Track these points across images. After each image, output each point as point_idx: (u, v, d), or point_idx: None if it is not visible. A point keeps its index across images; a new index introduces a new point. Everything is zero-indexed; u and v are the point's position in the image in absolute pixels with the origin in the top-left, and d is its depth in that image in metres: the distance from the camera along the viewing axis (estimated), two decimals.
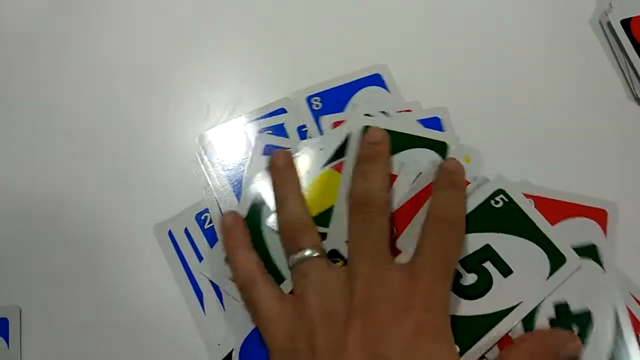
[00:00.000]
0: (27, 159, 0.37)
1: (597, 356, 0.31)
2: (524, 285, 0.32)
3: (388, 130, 0.35)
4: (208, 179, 0.34)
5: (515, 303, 0.31)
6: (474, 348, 0.30)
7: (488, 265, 0.32)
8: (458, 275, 0.32)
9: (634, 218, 0.34)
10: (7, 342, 0.32)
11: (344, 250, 0.32)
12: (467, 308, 0.31)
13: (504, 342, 0.31)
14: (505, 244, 0.33)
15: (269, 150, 0.35)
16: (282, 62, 0.39)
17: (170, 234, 0.33)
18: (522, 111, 0.38)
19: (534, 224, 0.33)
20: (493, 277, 0.32)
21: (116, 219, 0.34)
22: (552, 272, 0.32)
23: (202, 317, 0.32)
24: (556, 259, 0.32)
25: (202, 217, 0.34)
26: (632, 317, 0.31)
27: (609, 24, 0.40)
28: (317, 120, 0.36)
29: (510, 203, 0.34)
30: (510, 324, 0.31)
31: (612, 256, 0.33)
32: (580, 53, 0.40)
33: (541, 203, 0.34)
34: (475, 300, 0.31)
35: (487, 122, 0.37)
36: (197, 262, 0.33)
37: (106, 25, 0.40)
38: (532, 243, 0.33)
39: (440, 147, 0.35)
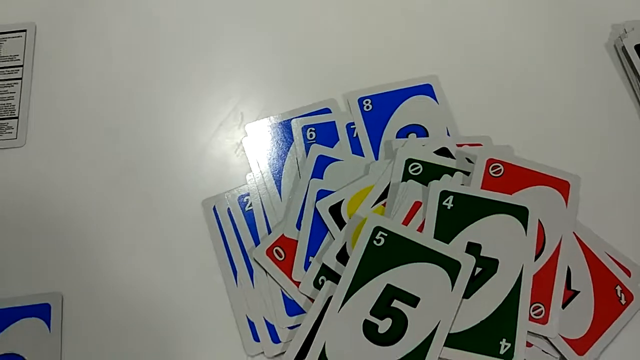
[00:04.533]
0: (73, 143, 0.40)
1: (488, 302, 0.32)
2: (435, 305, 0.32)
3: (463, 195, 0.35)
4: (252, 167, 0.38)
5: (435, 325, 0.32)
6: None
7: (396, 303, 0.33)
8: (374, 326, 0.32)
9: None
10: (49, 326, 0.34)
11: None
12: (397, 351, 0.32)
13: None
14: (403, 276, 0.33)
15: (321, 161, 0.37)
16: (326, 66, 0.42)
17: (214, 210, 0.37)
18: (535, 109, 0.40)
19: (420, 245, 0.34)
20: (405, 312, 0.32)
21: (167, 196, 0.38)
22: (453, 281, 0.33)
23: (234, 289, 0.35)
24: (452, 268, 0.33)
25: (244, 200, 0.37)
26: None
27: (623, 49, 0.42)
28: (365, 122, 0.39)
29: (390, 236, 0.34)
30: (440, 345, 0.31)
31: (572, 224, 0.35)
32: (596, 74, 0.42)
33: (512, 170, 0.36)
34: (400, 341, 0.32)
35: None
36: (235, 239, 0.36)
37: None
38: (425, 263, 0.33)
39: (520, 213, 0.34)
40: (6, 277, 0.36)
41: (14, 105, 0.40)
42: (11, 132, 0.39)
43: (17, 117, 0.39)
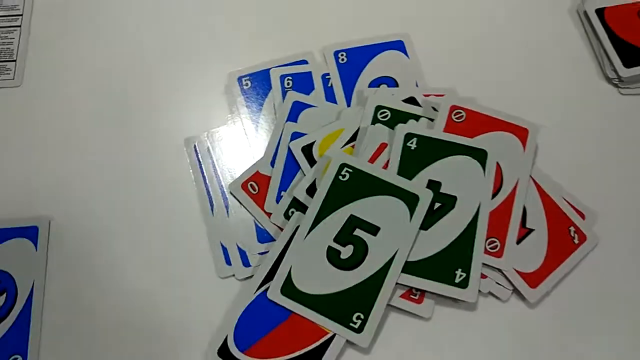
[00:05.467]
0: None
1: (445, 234, 0.34)
2: (394, 234, 0.34)
3: (426, 137, 0.37)
4: (234, 108, 0.40)
5: (393, 252, 0.34)
6: (375, 306, 0.33)
7: (358, 232, 0.35)
8: (337, 252, 0.34)
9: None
10: (36, 246, 0.36)
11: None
12: (357, 275, 0.34)
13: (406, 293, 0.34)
14: (365, 208, 0.35)
15: (297, 107, 0.39)
16: (304, 22, 0.44)
17: (195, 147, 0.39)
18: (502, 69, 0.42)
19: (382, 179, 0.36)
20: (366, 240, 0.34)
21: (153, 134, 0.40)
22: (411, 212, 0.35)
23: (210, 218, 0.37)
24: (411, 201, 0.35)
25: (222, 139, 0.40)
26: None
27: (585, 13, 0.44)
28: (340, 73, 0.41)
29: (355, 172, 0.36)
30: (398, 271, 0.33)
31: (528, 168, 0.37)
32: (560, 35, 0.44)
33: (473, 116, 0.38)
34: (361, 266, 0.34)
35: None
36: (213, 174, 0.38)
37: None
38: (386, 197, 0.35)
39: (479, 156, 0.36)
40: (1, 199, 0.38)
41: (12, 50, 0.43)
42: (9, 74, 0.42)
43: (14, 60, 0.42)
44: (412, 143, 0.38)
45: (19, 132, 0.40)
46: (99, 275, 0.36)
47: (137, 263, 0.36)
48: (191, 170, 0.39)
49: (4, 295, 0.35)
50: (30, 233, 0.36)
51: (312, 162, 0.38)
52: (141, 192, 0.39)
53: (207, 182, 0.38)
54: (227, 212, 0.38)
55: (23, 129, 0.40)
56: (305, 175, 0.38)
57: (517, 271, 0.36)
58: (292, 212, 0.36)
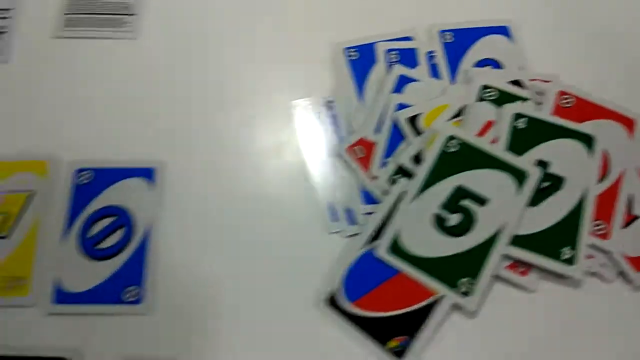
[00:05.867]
0: None
1: (553, 212, 0.34)
2: (502, 207, 0.35)
3: (535, 118, 0.37)
4: (338, 79, 0.41)
5: (501, 224, 0.34)
6: (483, 272, 0.33)
7: (465, 202, 0.35)
8: (443, 219, 0.35)
9: None
10: (152, 187, 0.37)
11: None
12: (465, 243, 0.34)
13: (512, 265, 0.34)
14: (473, 180, 0.36)
15: (402, 80, 0.40)
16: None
17: (303, 112, 0.40)
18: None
19: (490, 153, 0.36)
20: (474, 210, 0.35)
21: (263, 99, 0.41)
22: (519, 187, 0.35)
23: (318, 179, 0.38)
24: (519, 176, 0.35)
25: (330, 105, 0.40)
26: None
27: None
28: (446, 51, 0.42)
29: (463, 145, 0.37)
30: (505, 242, 0.33)
31: (635, 157, 0.36)
32: None
33: (581, 103, 0.38)
34: (468, 234, 0.34)
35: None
36: (323, 137, 0.39)
37: None
38: (494, 170, 0.36)
39: (587, 140, 0.37)
40: (121, 144, 0.39)
41: (132, 4, 0.45)
42: (128, 27, 0.43)
43: (134, 14, 0.44)
44: (520, 123, 0.38)
45: (137, 83, 0.42)
46: (208, 218, 0.37)
47: (247, 218, 0.37)
48: (298, 133, 0.40)
49: (123, 229, 0.36)
50: (147, 174, 0.38)
51: (416, 132, 0.39)
52: (249, 153, 0.39)
53: (315, 145, 0.39)
54: (334, 173, 0.38)
55: (140, 82, 0.42)
56: (410, 144, 0.38)
57: (623, 254, 0.36)
58: (397, 178, 0.37)
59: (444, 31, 0.43)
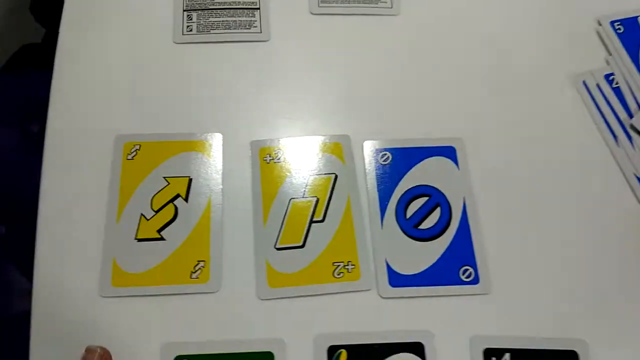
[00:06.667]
0: None
1: None
2: None
3: None
4: (611, 52, 0.40)
5: None
6: None
7: None
8: None
9: None
10: (457, 164, 0.36)
11: None
12: None
13: None
14: None
15: None
16: None
17: (584, 83, 0.39)
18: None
19: None
20: None
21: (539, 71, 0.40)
22: None
23: (616, 149, 0.37)
24: None
25: (610, 78, 0.39)
26: None
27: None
28: None
29: None
30: None
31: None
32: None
33: None
34: None
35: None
36: (609, 110, 0.38)
37: None
38: None
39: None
40: (420, 123, 0.38)
41: None
42: (386, 2, 0.42)
43: None
44: None
45: (398, 61, 0.40)
46: (513, 191, 0.35)
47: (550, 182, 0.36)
48: (585, 106, 0.39)
49: (438, 208, 0.35)
50: (448, 152, 0.36)
51: None
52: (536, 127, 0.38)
53: (605, 116, 0.38)
54: (632, 144, 0.37)
55: (402, 59, 0.40)
56: None
57: None
58: None
59: None
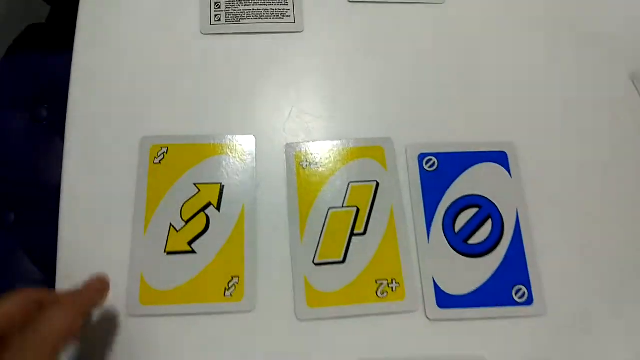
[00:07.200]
0: None
1: None
2: None
3: None
4: None
5: None
6: None
7: None
8: None
9: None
10: (509, 172, 0.33)
11: None
12: None
13: None
14: None
15: None
16: None
17: None
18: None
19: None
20: None
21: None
22: None
23: None
24: None
25: None
26: None
27: None
28: None
29: None
30: None
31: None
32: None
33: None
34: None
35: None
36: None
37: None
38: None
39: None
40: (467, 126, 0.35)
41: None
42: None
43: None
44: None
45: (442, 51, 0.37)
46: (567, 203, 0.33)
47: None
48: None
49: (490, 221, 0.32)
50: (499, 158, 0.33)
51: None
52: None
53: None
54: None
55: (447, 52, 0.37)
56: None
57: None
58: None
59: None
